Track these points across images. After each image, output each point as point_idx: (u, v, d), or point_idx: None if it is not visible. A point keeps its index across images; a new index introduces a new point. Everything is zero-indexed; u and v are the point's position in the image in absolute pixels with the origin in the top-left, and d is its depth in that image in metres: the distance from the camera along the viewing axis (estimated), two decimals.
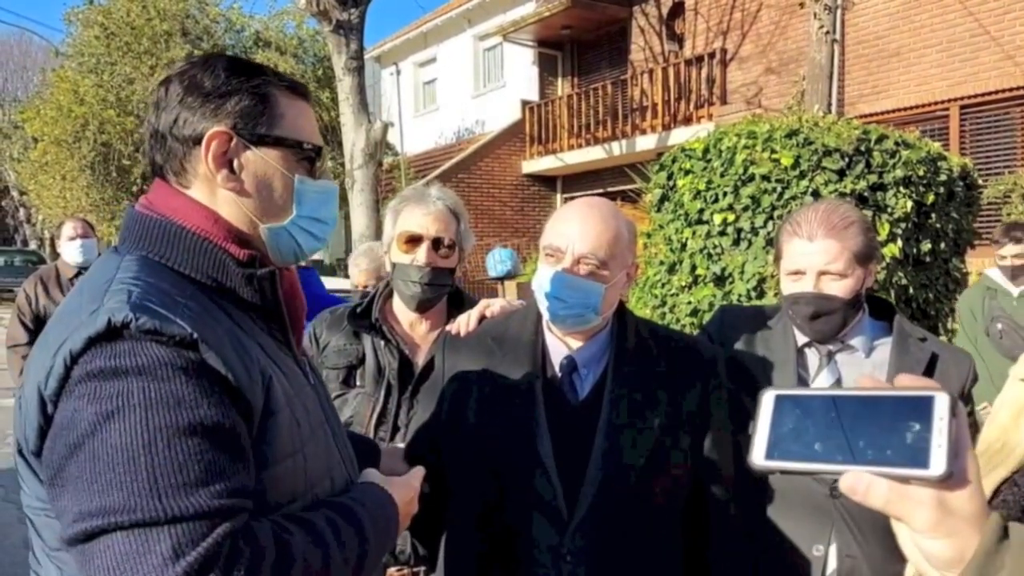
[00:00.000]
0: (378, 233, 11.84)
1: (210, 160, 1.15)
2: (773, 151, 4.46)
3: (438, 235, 2.07)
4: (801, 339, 1.89)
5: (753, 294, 4.56)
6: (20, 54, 38.57)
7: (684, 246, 4.86)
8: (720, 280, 4.67)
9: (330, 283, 4.96)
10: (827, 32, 8.75)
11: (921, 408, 0.70)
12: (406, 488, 1.33)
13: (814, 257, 1.80)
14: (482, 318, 1.88)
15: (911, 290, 4.75)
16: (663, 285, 5.03)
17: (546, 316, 1.69)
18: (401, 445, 1.90)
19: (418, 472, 1.42)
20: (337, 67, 10.26)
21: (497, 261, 7.32)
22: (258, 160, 1.19)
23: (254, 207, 1.20)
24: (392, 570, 2.01)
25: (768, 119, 4.99)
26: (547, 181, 17.13)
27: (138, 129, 15.76)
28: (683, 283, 4.89)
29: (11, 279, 25.00)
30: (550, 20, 15.91)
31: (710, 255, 4.72)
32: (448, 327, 1.90)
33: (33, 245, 35.47)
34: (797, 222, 1.85)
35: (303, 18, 17.32)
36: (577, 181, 16.55)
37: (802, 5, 9.58)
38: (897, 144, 4.56)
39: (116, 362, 0.94)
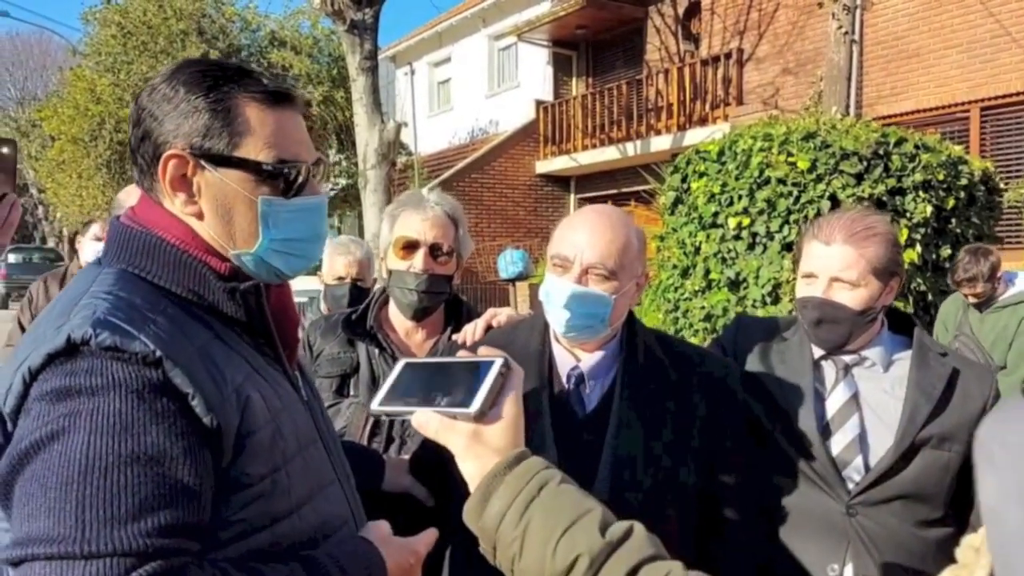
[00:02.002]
0: None
1: (167, 183, 1.10)
2: (790, 154, 4.39)
3: (436, 241, 2.02)
4: (818, 352, 1.83)
5: (768, 299, 4.50)
6: (40, 53, 38.92)
7: (698, 250, 4.81)
8: (734, 285, 4.61)
9: (303, 283, 4.79)
10: (846, 32, 8.65)
11: (483, 368, 0.96)
12: (406, 553, 1.20)
13: (828, 261, 1.74)
14: (488, 327, 1.83)
15: (930, 296, 4.68)
16: (676, 289, 4.99)
17: (553, 327, 1.64)
18: (406, 457, 1.87)
19: (428, 536, 1.27)
20: (351, 67, 10.26)
21: (509, 262, 7.27)
22: (217, 182, 1.11)
23: (219, 232, 1.13)
24: None
25: (785, 121, 4.92)
26: (561, 181, 17.07)
27: None
28: (697, 287, 4.83)
29: (29, 276, 25.15)
30: (565, 20, 15.84)
31: (724, 259, 4.67)
32: (454, 336, 1.86)
33: (51, 243, 35.80)
34: (819, 225, 1.80)
35: (318, 17, 17.35)
36: (591, 181, 16.48)
37: (820, 5, 9.48)
38: (917, 147, 4.49)
39: (70, 381, 0.92)
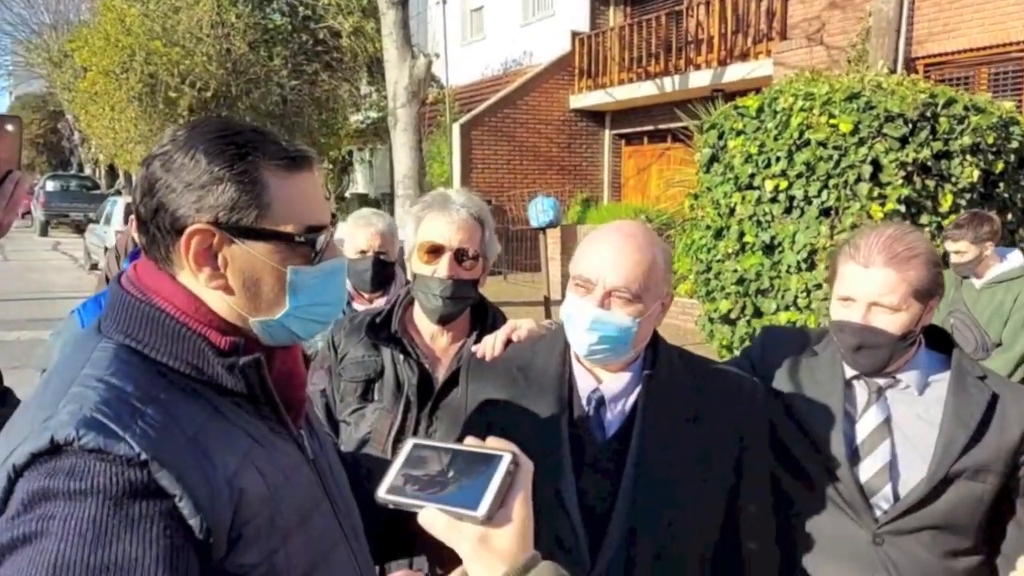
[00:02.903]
0: (421, 173, 11.74)
1: (191, 258, 1.06)
2: (831, 115, 4.21)
3: (461, 246, 1.97)
4: (849, 371, 1.76)
5: (803, 265, 4.39)
6: None
7: (732, 211, 4.67)
8: (769, 249, 4.50)
9: None
10: None
11: (491, 463, 0.93)
12: None
13: (867, 286, 1.66)
14: (508, 341, 1.79)
15: None
16: (709, 251, 4.88)
17: (575, 349, 1.60)
18: None
19: None
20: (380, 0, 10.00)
21: (540, 211, 7.15)
22: (245, 255, 1.08)
23: (243, 304, 1.10)
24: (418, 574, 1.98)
25: (828, 79, 4.70)
26: (595, 117, 16.71)
27: (184, 60, 15.70)
28: (730, 250, 4.72)
29: (66, 204, 25.64)
30: None
31: (759, 222, 4.54)
32: (473, 347, 1.82)
33: (88, 170, 36.20)
34: (856, 245, 1.70)
35: None
36: (626, 117, 16.13)
37: None
38: (967, 109, 4.28)
39: (50, 483, 0.90)
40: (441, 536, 0.92)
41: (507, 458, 0.93)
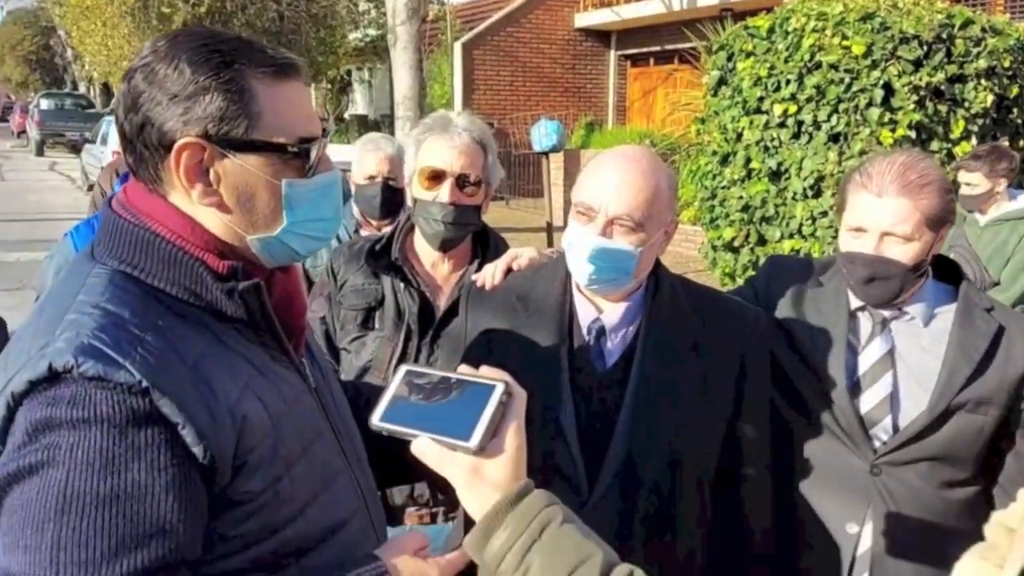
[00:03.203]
0: (422, 94, 11.50)
1: (182, 174, 1.02)
2: (844, 36, 4.07)
3: (463, 171, 1.91)
4: (855, 302, 1.74)
5: (809, 192, 4.33)
6: None
7: (740, 136, 4.58)
8: (775, 175, 4.43)
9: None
10: None
11: (483, 393, 0.92)
12: (419, 567, 1.13)
13: (880, 216, 1.62)
14: (509, 270, 1.76)
15: None
16: (714, 177, 4.80)
17: (576, 278, 1.57)
18: None
19: (456, 559, 1.18)
20: None
21: (543, 134, 7.03)
22: (237, 169, 1.04)
23: (239, 220, 1.07)
24: (411, 510, 2.01)
25: None
26: (601, 36, 16.28)
27: None
28: (736, 176, 4.65)
29: (62, 123, 25.27)
30: None
31: (767, 148, 4.46)
32: (473, 276, 1.79)
33: (82, 88, 35.55)
34: (868, 173, 1.65)
35: None
36: (632, 37, 15.72)
37: None
38: (984, 31, 4.14)
39: (52, 412, 0.89)
40: (434, 466, 0.92)
41: (500, 388, 0.92)
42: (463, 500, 0.93)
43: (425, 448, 0.92)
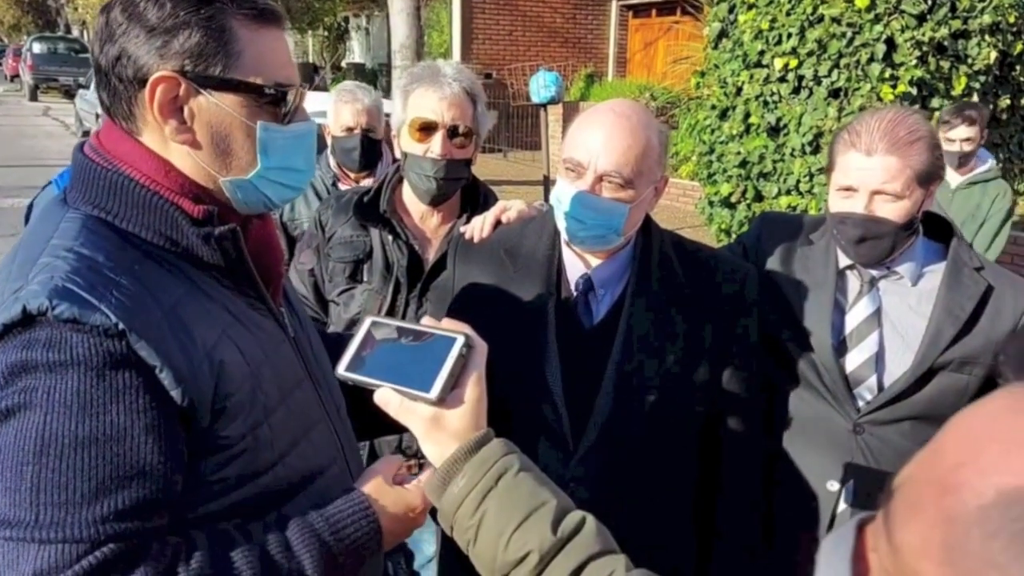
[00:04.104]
0: (420, 43, 11.30)
1: (155, 108, 1.00)
2: None
3: (454, 122, 1.89)
4: (844, 260, 1.73)
5: (808, 148, 4.29)
6: None
7: (739, 91, 4.53)
8: (774, 131, 4.39)
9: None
10: None
11: (445, 345, 0.94)
12: (402, 505, 1.15)
13: (870, 174, 1.60)
14: (497, 223, 1.74)
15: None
16: (713, 131, 4.76)
17: (564, 235, 1.56)
18: None
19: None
20: None
21: (541, 86, 6.92)
22: (212, 107, 1.03)
23: (211, 160, 1.06)
24: (400, 459, 2.02)
25: None
26: None
27: None
28: (734, 131, 4.61)
29: (55, 67, 24.87)
30: None
31: (766, 103, 4.41)
32: (461, 229, 1.78)
33: (75, 31, 34.93)
34: (856, 131, 1.63)
35: None
36: None
37: None
38: None
39: (27, 355, 0.89)
40: (395, 415, 0.95)
41: (460, 340, 0.94)
42: (424, 449, 0.97)
43: (387, 398, 0.95)
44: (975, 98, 4.18)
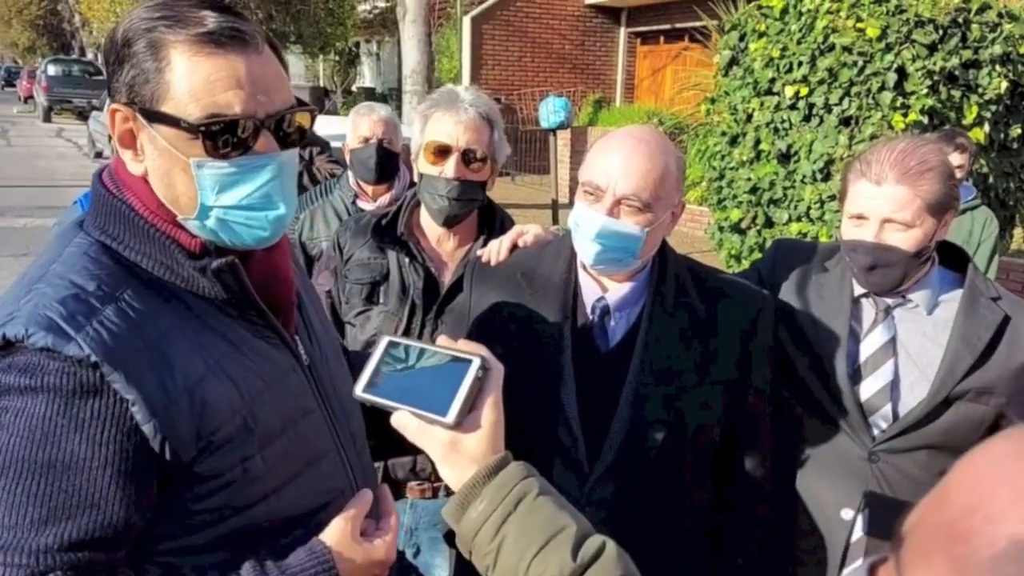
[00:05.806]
0: (430, 68, 11.41)
1: (115, 140, 1.02)
2: (859, 19, 4.03)
3: (469, 147, 1.91)
4: (858, 288, 1.74)
5: (819, 175, 4.30)
6: None
7: (750, 118, 4.55)
8: (785, 158, 4.40)
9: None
10: None
11: (461, 367, 0.93)
12: (368, 563, 1.11)
13: (880, 203, 1.61)
14: (514, 246, 1.75)
15: (991, 179, 4.42)
16: (723, 158, 4.77)
17: (581, 258, 1.57)
18: None
19: (390, 540, 1.16)
20: None
21: (551, 111, 6.98)
22: (155, 140, 1.00)
23: (166, 196, 1.04)
24: (413, 484, 2.02)
25: None
26: (610, 13, 16.11)
27: None
28: (745, 157, 4.62)
29: (69, 89, 25.15)
30: None
31: (777, 129, 4.43)
32: (478, 252, 1.79)
33: (90, 55, 35.35)
34: (868, 161, 1.64)
35: None
36: (643, 15, 15.54)
37: None
38: (1000, 16, 4.09)
39: (5, 377, 0.91)
40: (412, 439, 0.94)
41: (476, 363, 0.93)
42: (441, 473, 0.95)
43: (404, 421, 0.94)
44: (986, 128, 4.20)
